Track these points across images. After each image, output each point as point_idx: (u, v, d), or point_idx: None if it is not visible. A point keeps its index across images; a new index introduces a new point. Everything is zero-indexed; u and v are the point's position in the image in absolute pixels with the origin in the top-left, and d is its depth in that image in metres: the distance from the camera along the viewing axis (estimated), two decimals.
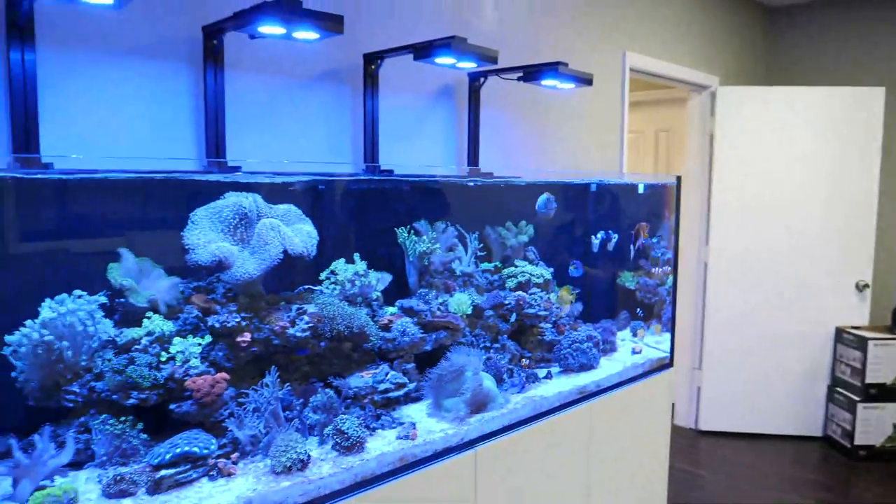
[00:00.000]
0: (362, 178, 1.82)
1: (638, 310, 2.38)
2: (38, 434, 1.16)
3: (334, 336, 1.48)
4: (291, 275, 1.60)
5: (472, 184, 2.09)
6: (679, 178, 2.20)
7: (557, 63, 2.21)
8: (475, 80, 2.43)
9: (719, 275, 4.07)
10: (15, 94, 1.38)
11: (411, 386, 1.55)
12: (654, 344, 2.25)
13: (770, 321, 4.03)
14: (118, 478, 1.15)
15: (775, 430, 4.13)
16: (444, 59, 1.88)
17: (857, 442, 3.76)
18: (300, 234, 1.48)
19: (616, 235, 2.24)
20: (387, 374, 1.51)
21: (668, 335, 2.24)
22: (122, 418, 1.24)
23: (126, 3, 1.28)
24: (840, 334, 3.97)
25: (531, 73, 2.26)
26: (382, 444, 1.41)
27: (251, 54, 1.81)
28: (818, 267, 3.94)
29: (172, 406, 1.28)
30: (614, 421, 1.99)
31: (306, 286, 1.58)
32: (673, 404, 4.43)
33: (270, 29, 1.48)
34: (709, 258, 4.09)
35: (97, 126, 1.53)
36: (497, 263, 1.99)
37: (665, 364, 2.20)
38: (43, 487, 1.10)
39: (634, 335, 2.30)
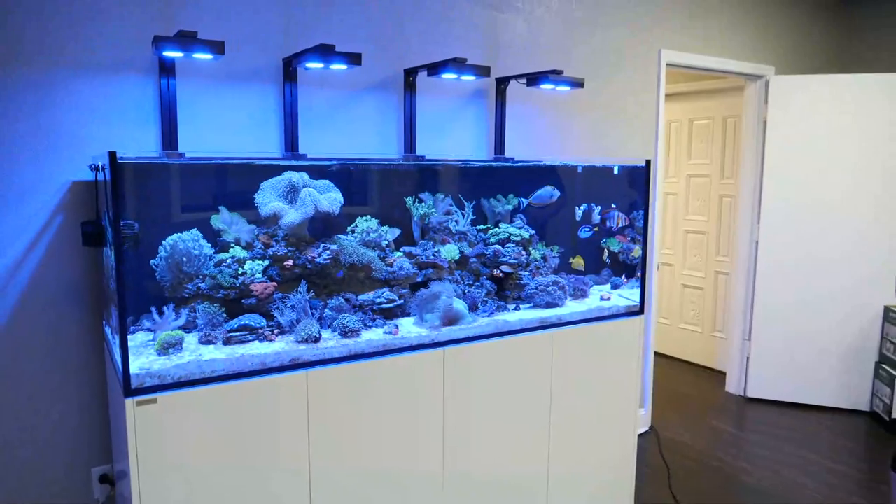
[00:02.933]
0: (381, 161, 2.57)
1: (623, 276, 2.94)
2: (166, 308, 2.04)
3: (350, 266, 2.26)
4: (333, 227, 2.40)
5: (470, 165, 2.77)
6: (648, 162, 2.73)
7: (552, 71, 2.83)
8: (501, 84, 3.10)
9: (770, 254, 4.40)
10: (163, 109, 2.28)
11: (401, 302, 2.29)
12: (628, 296, 2.81)
13: (819, 299, 4.31)
14: (207, 335, 2.01)
15: (821, 402, 4.40)
16: (449, 75, 2.58)
17: (895, 416, 3.98)
18: (329, 199, 2.26)
19: (598, 207, 2.83)
20: (383, 293, 2.27)
21: (638, 290, 2.78)
22: (215, 305, 2.10)
23: (221, 56, 2.11)
24: (888, 313, 4.17)
25: (534, 79, 2.90)
26: (373, 335, 2.17)
27: (318, 73, 2.61)
28: (869, 249, 4.16)
29: (243, 300, 2.12)
30: (578, 350, 2.59)
31: (337, 235, 2.37)
32: (724, 372, 4.83)
33: (319, 65, 2.27)
34: (760, 237, 4.42)
35: (218, 128, 2.41)
36: (489, 226, 2.67)
37: (635, 311, 2.75)
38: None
39: (615, 288, 2.87)
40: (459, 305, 2.33)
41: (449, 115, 3.05)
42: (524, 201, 2.79)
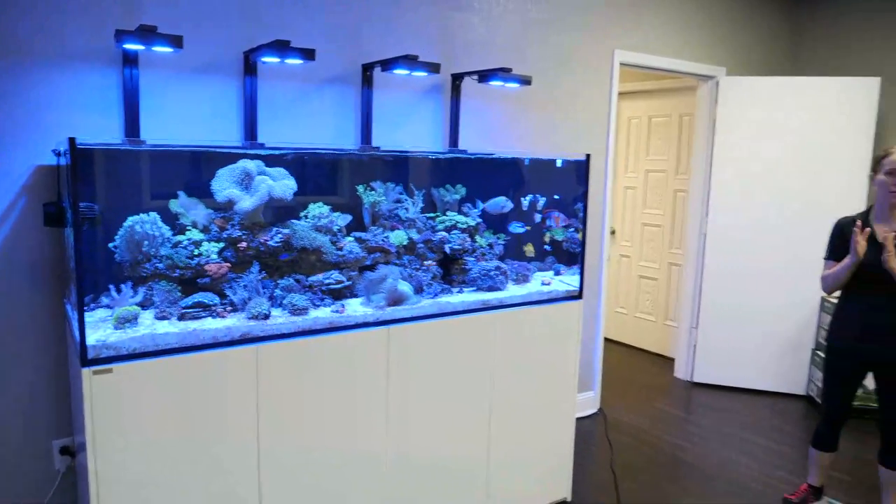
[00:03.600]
0: (334, 150, 2.72)
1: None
2: (124, 286, 2.18)
3: (302, 249, 2.41)
4: (286, 212, 2.55)
5: (422, 156, 2.93)
6: (588, 156, 2.91)
7: (501, 68, 2.99)
8: (456, 80, 3.25)
9: (717, 247, 4.62)
10: (126, 98, 2.40)
11: (349, 284, 2.44)
12: (569, 282, 2.99)
13: (762, 289, 4.53)
14: (163, 311, 2.15)
15: (762, 387, 4.65)
16: (401, 71, 2.73)
17: None
18: (282, 185, 2.41)
19: (543, 199, 3.01)
20: (332, 275, 2.42)
21: (577, 276, 2.97)
22: (171, 284, 2.24)
23: (180, 49, 2.23)
24: (824, 304, 4.40)
25: (485, 76, 3.06)
26: (320, 314, 2.32)
27: (279, 66, 2.74)
28: (808, 242, 4.38)
29: (199, 280, 2.26)
30: (519, 332, 2.76)
31: (291, 220, 2.52)
32: (673, 359, 5.05)
33: (276, 59, 2.41)
34: (708, 230, 4.64)
35: (182, 118, 2.54)
36: (438, 214, 2.83)
37: (574, 295, 2.93)
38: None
39: (557, 274, 3.05)
40: (405, 287, 2.49)
41: (406, 108, 3.20)
42: (480, 205, 2.96)
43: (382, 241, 2.59)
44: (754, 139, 4.47)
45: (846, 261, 2.65)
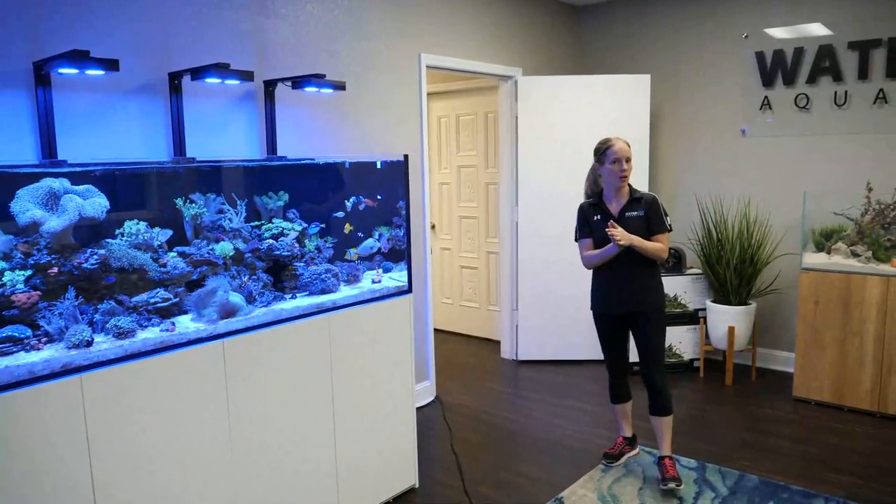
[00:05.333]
0: (148, 164, 2.62)
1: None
2: None
3: (120, 269, 2.30)
4: (100, 232, 2.41)
5: (241, 165, 2.91)
6: (406, 156, 3.06)
7: (314, 74, 3.04)
8: (269, 87, 3.24)
9: (527, 234, 5.00)
10: None
11: (176, 301, 2.38)
12: (398, 278, 3.13)
13: (571, 271, 4.96)
14: None
15: (579, 357, 5.11)
16: (212, 80, 2.68)
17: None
18: (93, 204, 2.28)
19: (365, 201, 3.11)
20: (158, 293, 2.34)
21: (405, 272, 3.11)
22: None
23: None
24: None
25: (298, 82, 3.09)
26: (149, 334, 2.24)
27: (78, 77, 2.57)
28: None
29: (4, 312, 2.08)
30: (354, 331, 2.84)
31: (106, 239, 2.39)
32: (499, 341, 5.39)
33: (74, 70, 2.27)
34: (518, 219, 5.01)
35: None
36: (264, 222, 2.83)
37: (404, 290, 3.07)
38: None
39: (386, 272, 3.17)
40: (236, 299, 2.47)
41: (222, 117, 3.13)
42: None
43: (208, 253, 2.55)
44: (551, 133, 4.91)
45: (610, 247, 3.06)
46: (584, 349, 5.09)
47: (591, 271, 3.28)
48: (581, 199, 3.27)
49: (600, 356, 5.25)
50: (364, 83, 3.82)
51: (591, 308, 3.32)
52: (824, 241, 4.32)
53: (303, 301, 2.71)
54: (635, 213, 3.11)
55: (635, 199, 3.14)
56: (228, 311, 2.44)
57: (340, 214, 3.13)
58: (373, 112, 3.89)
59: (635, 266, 3.10)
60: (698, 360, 4.82)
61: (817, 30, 4.47)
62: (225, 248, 2.59)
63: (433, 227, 6.02)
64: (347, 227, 3.11)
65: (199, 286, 2.47)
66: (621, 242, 2.97)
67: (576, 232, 3.28)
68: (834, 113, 4.48)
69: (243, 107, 3.22)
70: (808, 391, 4.21)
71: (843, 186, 4.43)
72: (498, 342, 5.49)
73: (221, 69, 2.65)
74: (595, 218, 3.17)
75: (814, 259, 4.24)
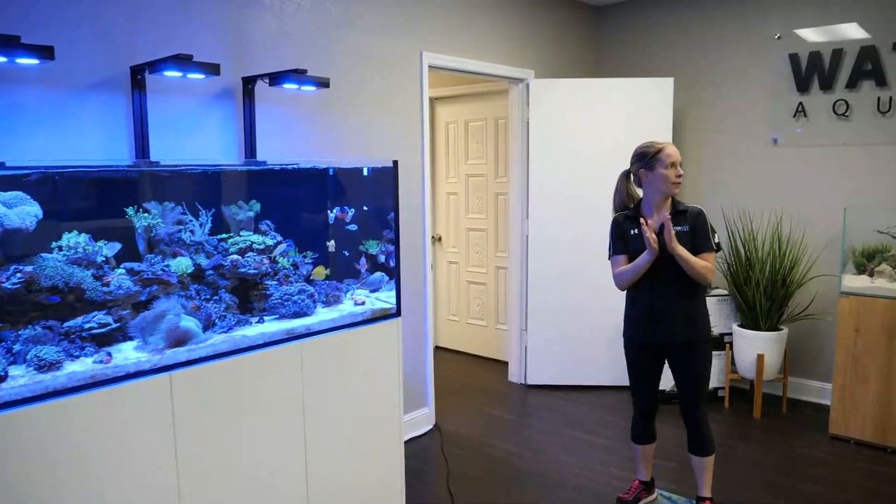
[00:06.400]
0: (94, 167, 2.29)
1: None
2: None
3: (52, 288, 1.97)
4: (32, 245, 2.09)
5: (209, 170, 2.59)
6: (395, 162, 2.72)
7: (294, 70, 2.71)
8: (248, 84, 2.92)
9: (538, 248, 4.64)
10: None
11: (117, 325, 2.04)
12: (385, 298, 2.78)
13: (585, 288, 4.59)
14: None
15: (592, 382, 4.72)
16: (172, 73, 2.36)
17: None
18: (22, 213, 1.96)
19: (351, 210, 2.77)
20: (95, 317, 2.01)
21: (394, 292, 2.76)
22: None
23: None
24: None
25: (276, 78, 2.76)
26: (78, 367, 1.91)
27: (22, 69, 2.26)
28: None
29: None
30: (331, 360, 2.50)
31: (41, 254, 2.07)
32: (507, 362, 5.03)
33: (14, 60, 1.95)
34: (529, 232, 4.65)
35: None
36: (231, 235, 2.50)
37: (391, 314, 2.72)
38: None
39: (374, 291, 2.82)
40: (189, 324, 2.14)
41: (193, 116, 2.82)
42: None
43: (161, 270, 2.21)
44: (566, 139, 4.54)
45: (644, 256, 2.66)
46: (599, 373, 4.69)
47: (619, 291, 2.87)
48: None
49: (616, 382, 4.89)
50: (359, 83, 3.49)
51: (624, 335, 2.91)
52: (866, 262, 3.90)
53: (270, 326, 2.37)
54: (679, 227, 2.69)
55: (679, 211, 2.74)
56: (179, 339, 2.10)
57: (354, 227, 2.81)
58: (369, 114, 3.55)
59: (679, 287, 2.70)
60: (723, 389, 4.41)
61: (853, 31, 4.07)
62: (182, 264, 2.26)
63: (439, 239, 5.67)
64: (319, 269, 2.74)
65: (146, 309, 2.14)
66: (666, 242, 2.58)
67: (609, 248, 2.87)
68: (877, 121, 4.07)
69: (219, 106, 2.90)
70: (847, 429, 3.78)
71: (887, 202, 4.01)
72: (506, 363, 5.11)
73: (182, 61, 2.32)
74: (632, 232, 2.76)
75: (854, 282, 3.82)
